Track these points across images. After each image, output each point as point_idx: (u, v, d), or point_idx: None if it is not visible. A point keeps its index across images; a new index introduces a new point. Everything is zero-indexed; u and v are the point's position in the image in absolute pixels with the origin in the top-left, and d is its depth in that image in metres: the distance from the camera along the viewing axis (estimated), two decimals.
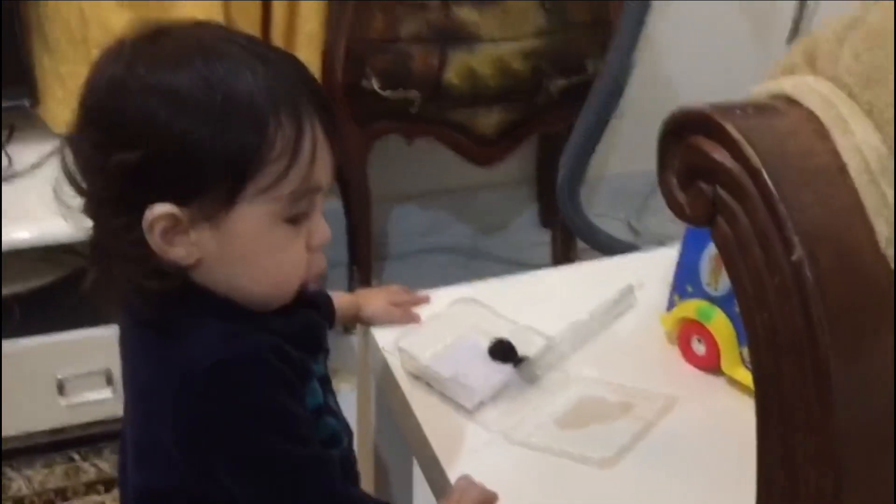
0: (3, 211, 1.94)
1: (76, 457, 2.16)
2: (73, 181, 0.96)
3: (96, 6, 2.04)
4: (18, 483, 2.09)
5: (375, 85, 2.22)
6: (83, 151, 0.94)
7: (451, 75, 2.24)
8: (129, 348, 1.05)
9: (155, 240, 0.92)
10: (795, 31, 2.55)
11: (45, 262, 2.10)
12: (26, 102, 2.12)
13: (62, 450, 2.17)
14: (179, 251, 0.93)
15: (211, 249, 0.94)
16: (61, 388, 2.06)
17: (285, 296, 1.00)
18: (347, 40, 2.21)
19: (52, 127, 2.15)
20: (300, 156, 0.93)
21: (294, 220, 0.96)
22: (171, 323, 0.96)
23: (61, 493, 2.08)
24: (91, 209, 0.95)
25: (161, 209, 0.91)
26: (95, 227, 0.96)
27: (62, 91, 2.12)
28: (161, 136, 0.90)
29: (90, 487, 2.10)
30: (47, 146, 2.10)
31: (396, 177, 2.78)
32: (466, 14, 2.20)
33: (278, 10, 2.20)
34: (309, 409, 1.02)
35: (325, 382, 1.08)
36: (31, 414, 2.08)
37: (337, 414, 1.09)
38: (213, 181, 0.91)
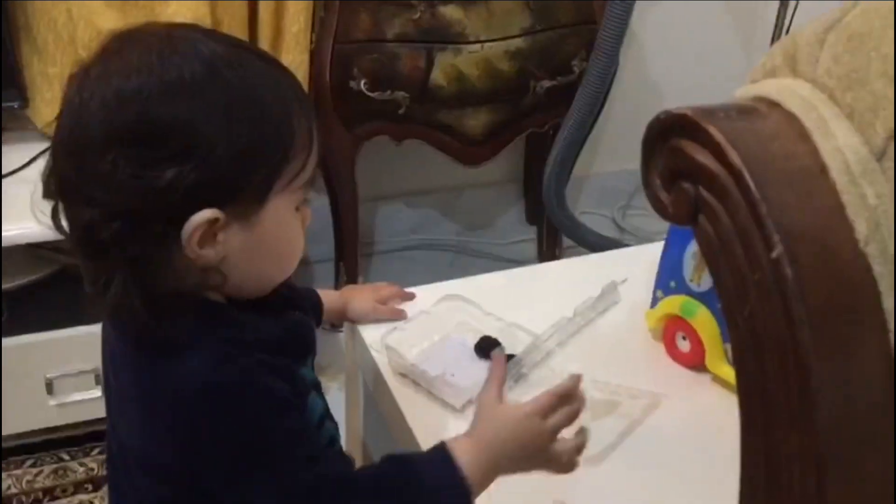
0: None
1: (65, 456, 2.16)
2: (73, 197, 0.92)
3: (84, 6, 2.03)
4: (7, 482, 2.08)
5: (363, 86, 2.23)
6: (106, 170, 0.88)
7: (438, 77, 2.24)
8: (117, 360, 1.03)
9: (192, 246, 0.91)
10: (779, 31, 2.56)
11: (32, 260, 2.10)
12: (15, 104, 2.11)
13: (51, 449, 2.17)
14: (209, 252, 0.92)
15: (236, 246, 0.94)
16: (50, 388, 2.06)
17: (285, 277, 1.03)
18: (334, 41, 2.22)
19: (41, 128, 2.15)
20: (313, 145, 0.97)
21: (298, 208, 0.99)
22: (163, 336, 0.93)
23: (50, 492, 2.08)
24: (110, 224, 0.89)
25: (204, 215, 0.90)
26: (101, 239, 0.90)
27: (51, 92, 2.12)
28: (211, 143, 0.89)
29: (79, 487, 2.10)
30: (36, 147, 2.10)
31: (384, 175, 2.78)
32: (452, 13, 2.21)
33: (265, 11, 2.20)
34: (314, 420, 1.03)
35: (318, 387, 1.08)
36: (21, 414, 2.07)
37: (332, 416, 1.10)
38: (253, 179, 0.92)
